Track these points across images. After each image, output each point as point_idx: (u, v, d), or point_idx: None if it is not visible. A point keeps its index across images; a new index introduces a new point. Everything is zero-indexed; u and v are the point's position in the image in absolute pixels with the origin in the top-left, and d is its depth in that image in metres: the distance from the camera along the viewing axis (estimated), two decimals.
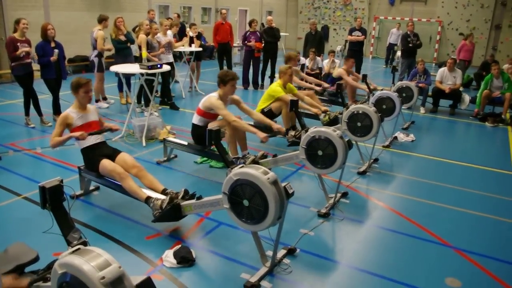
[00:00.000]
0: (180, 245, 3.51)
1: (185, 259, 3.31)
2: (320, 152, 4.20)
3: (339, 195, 4.61)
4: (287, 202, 3.11)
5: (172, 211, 3.63)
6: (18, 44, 6.56)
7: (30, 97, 6.92)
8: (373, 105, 5.85)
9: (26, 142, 6.23)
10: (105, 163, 4.01)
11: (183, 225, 3.94)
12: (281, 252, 3.48)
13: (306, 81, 8.45)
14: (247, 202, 3.04)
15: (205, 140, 3.81)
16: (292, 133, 5.84)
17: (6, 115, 7.69)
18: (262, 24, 16.44)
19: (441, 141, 7.31)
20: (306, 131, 4.35)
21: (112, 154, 4.23)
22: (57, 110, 7.26)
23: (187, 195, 3.79)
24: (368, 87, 7.87)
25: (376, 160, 5.87)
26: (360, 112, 5.29)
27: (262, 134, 4.76)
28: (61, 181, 2.56)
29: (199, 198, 3.59)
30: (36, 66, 6.98)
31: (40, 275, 2.42)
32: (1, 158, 5.48)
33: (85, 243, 2.43)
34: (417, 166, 5.95)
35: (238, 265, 3.37)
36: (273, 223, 3.02)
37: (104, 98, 8.65)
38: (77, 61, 11.93)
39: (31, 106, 6.98)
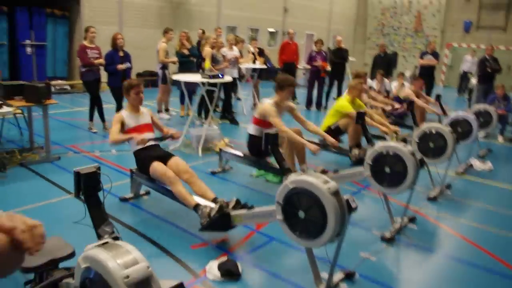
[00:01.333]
0: (226, 258, 3.20)
1: (229, 273, 2.99)
2: (387, 169, 3.76)
3: (406, 219, 4.10)
4: (349, 216, 2.71)
5: (220, 220, 3.35)
6: (88, 50, 6.74)
7: (96, 103, 7.06)
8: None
9: (86, 145, 6.29)
10: (157, 166, 3.83)
11: (232, 237, 3.63)
12: (338, 275, 3.05)
13: (375, 100, 7.94)
14: (303, 214, 2.69)
15: (261, 148, 3.53)
16: (356, 151, 5.41)
17: (73, 120, 7.92)
18: (329, 48, 16.18)
19: None
20: (373, 146, 3.93)
21: (165, 157, 4.05)
22: None
23: (239, 205, 3.50)
24: (442, 108, 7.20)
25: (448, 186, 5.26)
26: (433, 131, 4.79)
27: (313, 146, 4.43)
28: (98, 168, 2.35)
29: (251, 208, 3.28)
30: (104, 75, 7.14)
31: (71, 272, 2.20)
32: (60, 158, 5.53)
33: (117, 238, 2.18)
34: (495, 196, 5.27)
35: (288, 285, 2.99)
36: (331, 239, 2.64)
37: (167, 110, 8.69)
38: (145, 75, 12.25)
39: (96, 113, 7.10)
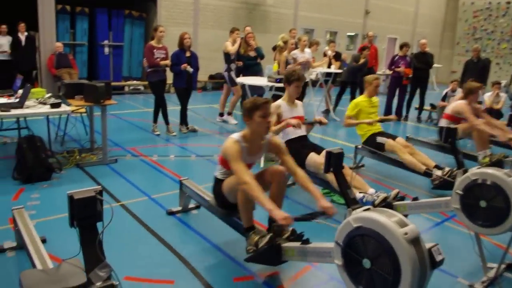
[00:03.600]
0: None
1: None
2: (483, 203, 2.96)
3: (503, 266, 3.25)
4: (431, 273, 2.03)
5: (269, 253, 2.79)
6: (155, 50, 6.52)
7: (160, 105, 6.84)
8: None
9: (147, 148, 6.05)
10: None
11: (283, 271, 3.06)
12: None
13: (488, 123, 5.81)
14: (369, 263, 2.05)
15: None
16: (438, 172, 4.58)
17: (138, 121, 7.80)
18: (412, 53, 14.98)
19: None
20: (465, 171, 3.16)
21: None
22: (183, 120, 7.11)
23: (293, 236, 2.91)
24: None
25: None
26: None
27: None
28: (99, 192, 1.88)
29: (306, 242, 2.68)
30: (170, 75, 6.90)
31: None
32: (116, 160, 5.32)
33: (113, 286, 1.70)
34: None
35: None
36: None
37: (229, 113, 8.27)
38: (217, 78, 12.04)
39: (160, 114, 6.88)
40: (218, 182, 3.25)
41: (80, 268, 2.16)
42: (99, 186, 1.90)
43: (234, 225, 3.25)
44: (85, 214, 1.82)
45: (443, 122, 5.93)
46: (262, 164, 5.51)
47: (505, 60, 18.37)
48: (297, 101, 4.46)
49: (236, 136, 3.04)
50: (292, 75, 4.41)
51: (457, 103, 5.91)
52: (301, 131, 4.38)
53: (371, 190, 3.94)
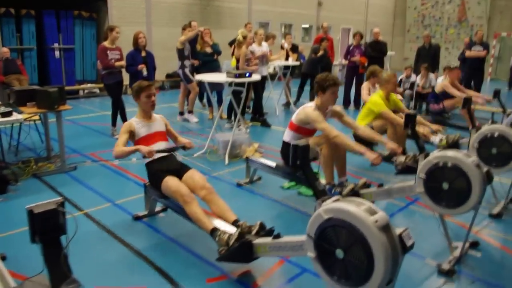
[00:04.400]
0: None
1: None
2: (446, 185, 3.05)
3: (467, 245, 3.37)
4: (403, 258, 2.06)
5: (241, 250, 2.76)
6: (109, 51, 6.32)
7: (118, 107, 6.65)
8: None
9: (107, 153, 5.84)
10: (169, 182, 3.30)
11: (256, 268, 3.04)
12: None
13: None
14: (342, 254, 2.06)
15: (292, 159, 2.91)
16: (401, 158, 4.68)
17: (95, 125, 7.55)
18: (366, 42, 15.29)
19: None
20: (426, 155, 3.24)
21: (180, 170, 3.51)
22: None
23: (263, 231, 2.90)
24: (503, 106, 6.23)
25: None
26: (496, 135, 4.01)
27: (373, 155, 3.62)
28: (61, 204, 1.78)
29: (277, 236, 2.67)
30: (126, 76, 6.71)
31: None
32: (76, 167, 5.13)
33: None
34: None
35: None
36: None
37: (190, 112, 8.15)
38: (174, 77, 11.83)
39: (118, 117, 6.69)
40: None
41: (45, 285, 2.05)
42: (61, 198, 1.80)
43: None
44: (47, 229, 1.71)
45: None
46: (226, 161, 5.47)
47: (453, 45, 19.09)
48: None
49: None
50: (327, 80, 3.88)
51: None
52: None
53: (339, 180, 3.99)
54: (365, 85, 6.41)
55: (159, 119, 3.84)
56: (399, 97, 6.24)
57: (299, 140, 3.09)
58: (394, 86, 5.40)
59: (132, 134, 3.62)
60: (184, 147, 3.76)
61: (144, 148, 3.42)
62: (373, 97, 5.26)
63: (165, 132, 3.80)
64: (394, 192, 3.56)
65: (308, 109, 3.97)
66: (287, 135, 4.18)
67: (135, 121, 3.69)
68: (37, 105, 4.87)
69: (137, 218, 3.82)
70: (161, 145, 3.65)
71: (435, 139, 5.52)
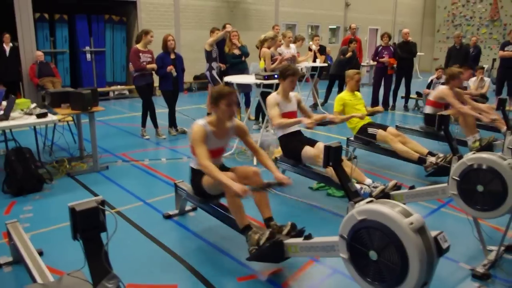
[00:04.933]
0: None
1: None
2: (480, 188, 2.99)
3: (502, 248, 3.28)
4: (438, 261, 2.03)
5: (271, 250, 2.77)
6: (141, 54, 6.44)
7: (148, 109, 6.77)
8: None
9: (137, 153, 5.97)
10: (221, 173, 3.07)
11: (286, 267, 3.04)
12: None
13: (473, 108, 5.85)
14: (376, 255, 2.04)
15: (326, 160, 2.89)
16: (432, 159, 4.60)
17: (126, 126, 7.71)
18: (395, 43, 15.07)
19: None
20: (460, 157, 3.17)
21: (220, 169, 3.25)
22: (172, 122, 7.05)
23: (294, 231, 2.90)
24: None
25: None
26: None
27: (306, 120, 4.28)
28: (101, 202, 1.83)
29: (308, 237, 2.67)
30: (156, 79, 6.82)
31: None
32: (108, 167, 5.25)
33: None
34: None
35: None
36: None
37: None
38: (202, 78, 11.95)
39: (148, 118, 6.81)
40: (195, 173, 3.38)
41: (83, 280, 2.12)
42: (101, 196, 1.85)
43: (232, 224, 3.21)
44: (89, 226, 1.77)
45: (428, 109, 6.02)
46: (255, 162, 5.49)
47: (485, 45, 18.58)
48: (291, 95, 4.47)
49: (201, 121, 3.22)
50: (288, 70, 4.41)
51: (439, 89, 5.99)
52: (296, 127, 4.44)
53: (368, 181, 3.96)
54: (447, 92, 5.69)
55: (234, 130, 3.39)
56: None
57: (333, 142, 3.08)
58: (357, 83, 5.32)
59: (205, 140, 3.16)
60: (281, 184, 3.13)
61: (237, 188, 2.81)
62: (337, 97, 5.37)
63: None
64: (425, 194, 3.51)
65: (269, 97, 4.42)
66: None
67: (207, 130, 3.19)
68: (71, 106, 5.01)
69: (167, 217, 3.88)
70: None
71: (469, 142, 5.43)
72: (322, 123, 4.74)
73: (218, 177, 2.91)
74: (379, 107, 5.82)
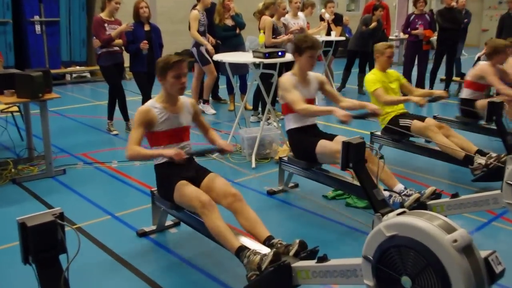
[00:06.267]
0: None
1: None
2: None
3: None
4: None
5: (276, 276, 2.79)
6: (106, 25, 6.47)
7: (116, 96, 6.81)
8: None
9: (102, 152, 6.03)
10: (184, 188, 3.33)
11: None
12: None
13: None
14: (409, 282, 2.08)
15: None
16: (481, 159, 4.64)
17: (88, 118, 7.77)
18: (431, 10, 15.16)
19: None
20: None
21: (197, 175, 3.55)
22: None
23: (304, 251, 2.93)
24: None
25: None
26: None
27: (341, 111, 4.06)
28: (60, 215, 1.84)
29: (323, 259, 2.69)
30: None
31: None
32: (65, 171, 5.29)
33: None
34: None
35: None
36: None
37: (206, 101, 8.25)
38: (183, 55, 12.00)
39: (117, 108, 6.86)
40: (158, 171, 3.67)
41: None
42: (59, 208, 1.87)
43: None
44: (44, 246, 1.78)
45: (465, 93, 6.05)
46: (253, 164, 5.52)
47: None
48: (311, 75, 4.46)
49: (149, 102, 3.60)
50: (305, 41, 4.31)
51: (478, 65, 6.02)
52: (312, 119, 4.47)
53: (399, 187, 3.99)
54: (487, 69, 5.77)
55: (188, 106, 3.70)
56: None
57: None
58: (389, 59, 5.34)
59: (149, 124, 3.47)
60: (222, 151, 3.68)
61: (168, 152, 3.28)
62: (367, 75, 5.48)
63: (189, 127, 3.75)
64: (473, 203, 3.54)
65: (282, 78, 4.44)
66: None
67: (155, 108, 3.50)
68: (16, 93, 5.01)
69: (142, 234, 3.91)
70: (186, 144, 3.63)
71: None
72: (363, 115, 4.35)
73: (143, 154, 3.40)
74: (442, 91, 5.76)
